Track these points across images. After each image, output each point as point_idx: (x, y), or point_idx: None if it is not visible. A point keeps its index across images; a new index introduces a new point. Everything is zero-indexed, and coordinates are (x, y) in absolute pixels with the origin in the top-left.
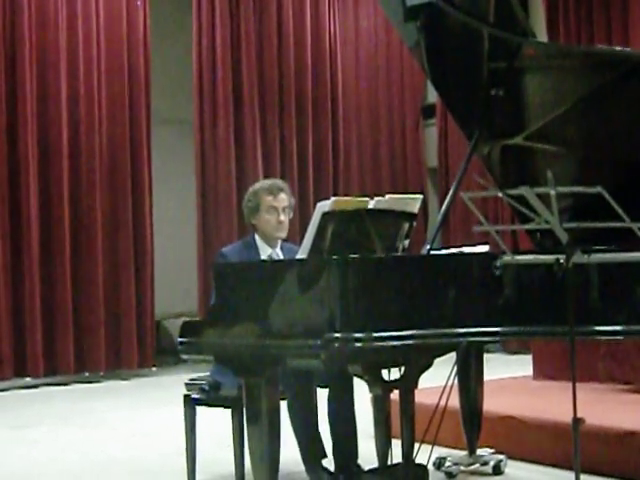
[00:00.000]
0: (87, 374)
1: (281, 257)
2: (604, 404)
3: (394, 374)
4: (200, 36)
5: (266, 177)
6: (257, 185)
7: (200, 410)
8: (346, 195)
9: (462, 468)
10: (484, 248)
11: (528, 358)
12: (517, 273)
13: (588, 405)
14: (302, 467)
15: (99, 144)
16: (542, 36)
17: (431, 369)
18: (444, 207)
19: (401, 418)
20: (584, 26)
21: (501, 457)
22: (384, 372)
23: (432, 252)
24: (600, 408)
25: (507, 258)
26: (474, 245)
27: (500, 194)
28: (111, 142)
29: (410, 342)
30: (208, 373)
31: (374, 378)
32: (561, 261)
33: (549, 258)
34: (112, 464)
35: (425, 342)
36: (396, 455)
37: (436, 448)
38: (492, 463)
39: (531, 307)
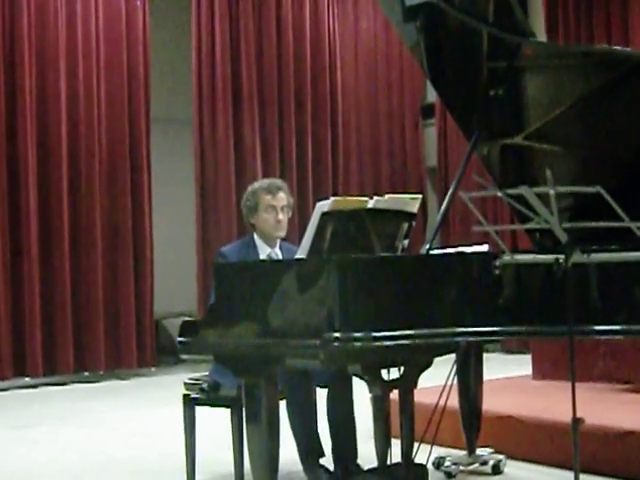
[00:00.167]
0: (86, 374)
1: (280, 257)
2: (603, 404)
3: (393, 374)
4: (199, 35)
5: (265, 177)
6: (256, 184)
7: (199, 410)
8: (345, 195)
9: (461, 468)
10: (483, 248)
11: (527, 358)
12: (516, 273)
13: (587, 405)
14: (301, 467)
15: (98, 143)
16: (541, 36)
17: (430, 369)
18: (443, 207)
19: (400, 418)
20: (584, 26)
21: (500, 457)
22: (383, 372)
23: (431, 252)
24: (599, 408)
25: (506, 258)
26: (474, 245)
27: (499, 194)
28: (110, 141)
29: (409, 342)
30: (207, 373)
31: (373, 378)
32: (560, 261)
33: (548, 258)
34: (112, 464)
35: (424, 342)
36: (395, 455)
37: (435, 448)
38: (491, 463)
39: (530, 307)
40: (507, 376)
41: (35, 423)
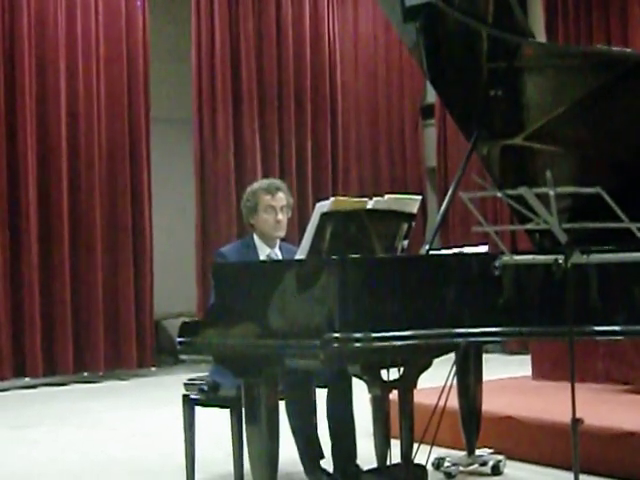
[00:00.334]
0: (86, 374)
1: (280, 257)
2: (603, 404)
3: (393, 374)
4: (199, 35)
5: (265, 177)
6: (255, 185)
7: (199, 410)
8: (345, 195)
9: (461, 468)
10: (483, 248)
11: (527, 358)
12: (516, 273)
13: (587, 405)
14: (301, 467)
15: (98, 143)
16: (541, 36)
17: (430, 369)
18: (443, 207)
19: (400, 418)
20: (583, 26)
21: (500, 457)
22: (383, 372)
23: (431, 252)
24: (599, 408)
25: (506, 258)
26: (473, 245)
27: (499, 194)
28: (110, 141)
29: (409, 342)
30: (207, 373)
31: (373, 378)
32: (560, 261)
33: (548, 258)
34: (112, 464)
35: (424, 342)
36: (395, 455)
37: (435, 448)
38: (491, 463)
39: (530, 307)
40: (507, 377)
41: (35, 423)
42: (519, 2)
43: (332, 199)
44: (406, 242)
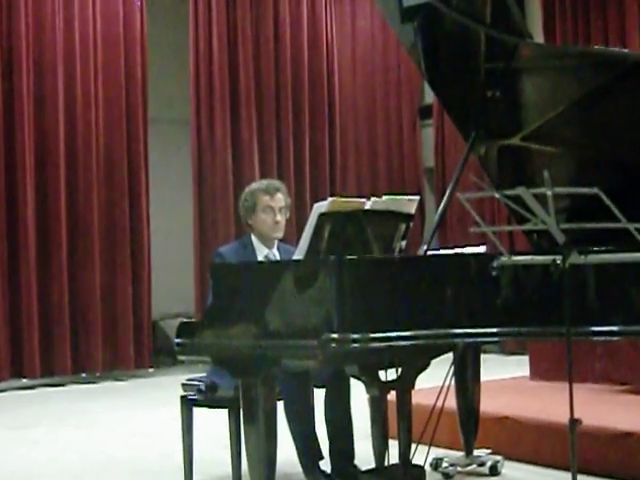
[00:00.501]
0: (84, 375)
1: (278, 257)
2: (601, 405)
3: (391, 375)
4: (197, 37)
5: (263, 177)
6: (254, 185)
7: (197, 411)
8: (343, 196)
9: (459, 469)
10: (481, 249)
11: (525, 359)
12: (514, 274)
13: (585, 406)
14: (299, 468)
15: (96, 144)
16: (538, 37)
17: (428, 370)
18: (441, 208)
19: (398, 419)
20: (581, 27)
21: (498, 458)
22: (381, 373)
23: (429, 253)
24: (597, 409)
25: (504, 259)
26: (471, 246)
27: (497, 195)
28: (108, 142)
29: (407, 343)
30: (205, 374)
31: (371, 379)
32: (558, 262)
33: (546, 259)
34: (112, 464)
35: (422, 343)
36: (393, 456)
37: (433, 449)
38: (489, 464)
39: (528, 308)
40: (505, 377)
41: (33, 424)
42: (517, 2)
43: (330, 199)
44: (404, 242)
